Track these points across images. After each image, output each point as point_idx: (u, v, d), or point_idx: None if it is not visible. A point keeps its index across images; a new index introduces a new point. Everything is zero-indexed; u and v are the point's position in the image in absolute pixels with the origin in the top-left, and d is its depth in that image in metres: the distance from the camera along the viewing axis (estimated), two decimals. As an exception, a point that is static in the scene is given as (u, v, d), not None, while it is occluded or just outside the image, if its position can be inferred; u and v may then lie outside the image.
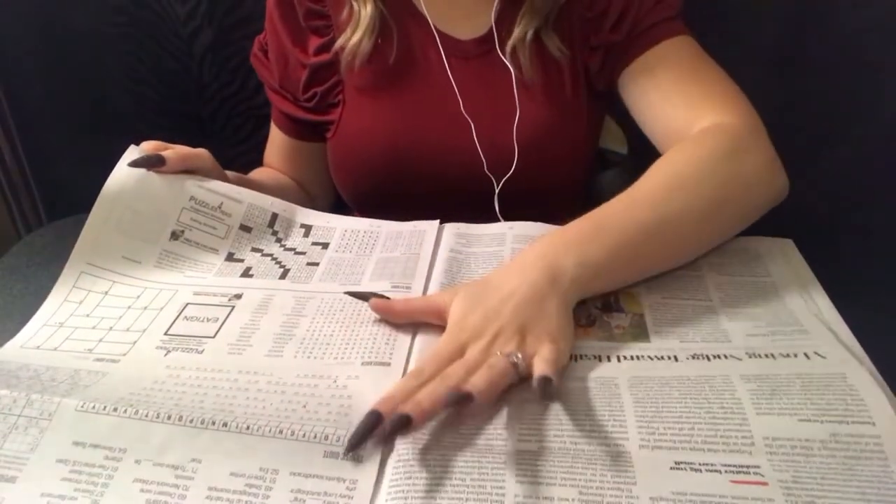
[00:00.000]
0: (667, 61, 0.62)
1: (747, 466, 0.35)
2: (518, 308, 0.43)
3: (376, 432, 0.37)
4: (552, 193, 0.69)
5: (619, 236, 0.48)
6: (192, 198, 0.56)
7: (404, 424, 0.37)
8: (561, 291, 0.44)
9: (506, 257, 0.54)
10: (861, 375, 0.40)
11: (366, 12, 0.64)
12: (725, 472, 0.35)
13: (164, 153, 0.56)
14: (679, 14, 0.64)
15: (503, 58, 0.64)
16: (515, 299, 0.43)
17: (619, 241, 0.47)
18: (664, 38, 0.62)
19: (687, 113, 0.59)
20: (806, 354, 0.43)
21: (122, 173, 0.55)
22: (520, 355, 0.40)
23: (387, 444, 0.38)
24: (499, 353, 0.41)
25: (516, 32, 0.64)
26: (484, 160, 0.65)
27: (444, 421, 0.39)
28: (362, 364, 0.44)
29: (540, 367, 0.39)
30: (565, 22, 0.65)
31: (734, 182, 0.52)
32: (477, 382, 0.38)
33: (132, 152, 0.56)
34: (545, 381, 0.38)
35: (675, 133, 0.59)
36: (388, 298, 0.47)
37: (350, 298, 0.50)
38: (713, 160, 0.53)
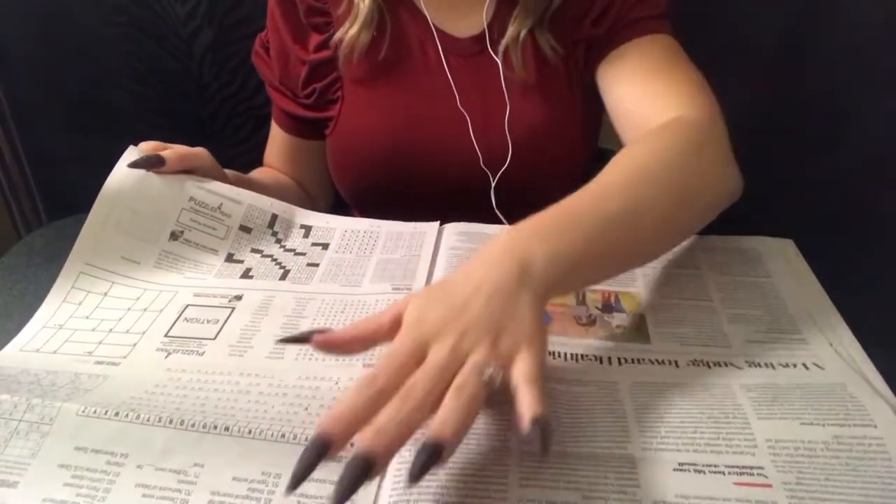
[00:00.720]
0: (640, 55, 0.62)
1: (751, 468, 0.35)
2: (489, 300, 0.36)
3: (325, 460, 0.31)
4: (550, 191, 0.69)
5: (590, 228, 0.43)
6: (191, 198, 0.56)
7: (367, 470, 0.30)
8: (532, 287, 0.38)
9: None
10: (861, 385, 0.40)
11: (364, 5, 0.64)
12: (729, 473, 0.35)
13: (164, 153, 0.56)
14: (663, 14, 0.64)
15: (494, 56, 0.65)
16: (484, 291, 0.37)
17: (590, 234, 0.43)
18: (642, 34, 0.62)
19: (652, 104, 0.58)
20: (805, 365, 0.43)
21: (122, 174, 0.54)
22: (492, 369, 0.34)
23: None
24: (469, 362, 0.34)
25: (510, 31, 0.64)
26: (480, 155, 0.65)
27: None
28: (364, 366, 0.44)
29: (526, 397, 0.33)
30: (561, 21, 0.65)
31: (695, 176, 0.50)
32: (447, 424, 0.32)
33: (131, 153, 0.56)
34: (542, 424, 0.32)
35: (638, 125, 0.58)
36: (329, 330, 0.38)
37: (350, 299, 0.50)
38: (676, 153, 0.50)
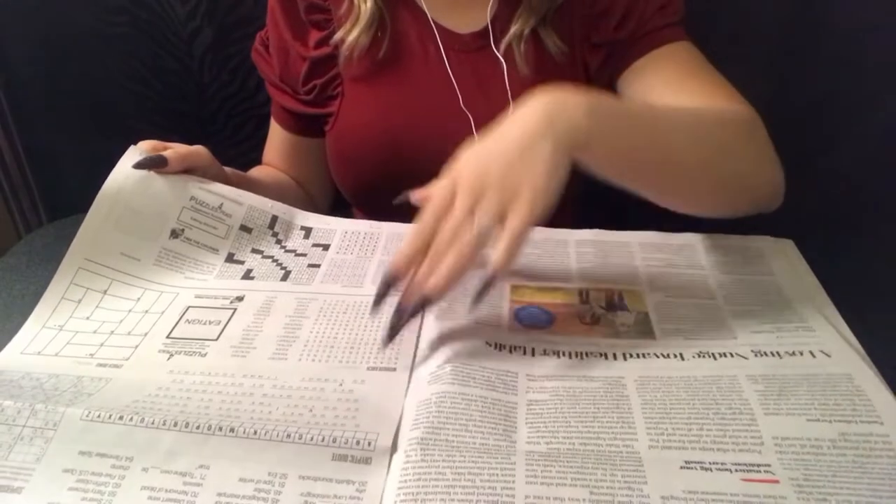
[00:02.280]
0: (672, 61, 0.62)
1: (758, 465, 0.35)
2: (510, 161, 0.42)
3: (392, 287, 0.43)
4: None
5: (627, 116, 0.46)
6: (192, 198, 0.56)
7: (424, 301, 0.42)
8: (555, 136, 0.42)
9: None
10: (867, 376, 0.40)
11: (366, 7, 0.64)
12: (736, 470, 0.35)
13: (165, 153, 0.56)
14: (681, 21, 0.64)
15: (496, 53, 0.65)
16: (509, 151, 0.42)
17: (624, 121, 0.45)
18: (669, 42, 0.63)
19: (700, 102, 0.58)
20: (811, 353, 0.43)
21: (122, 173, 0.54)
22: (488, 229, 0.41)
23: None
24: (476, 224, 0.41)
25: (512, 30, 0.64)
26: None
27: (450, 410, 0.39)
28: (368, 369, 0.44)
29: (497, 251, 0.41)
30: (565, 19, 0.65)
31: (746, 153, 0.52)
32: (437, 282, 0.41)
33: (132, 153, 0.56)
34: (488, 281, 0.42)
35: None
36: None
37: (352, 300, 0.50)
38: (734, 124, 0.53)
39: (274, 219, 0.59)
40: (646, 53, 0.63)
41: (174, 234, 0.55)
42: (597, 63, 0.65)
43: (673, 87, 0.61)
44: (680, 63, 0.62)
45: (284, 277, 0.54)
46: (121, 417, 0.39)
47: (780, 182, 0.55)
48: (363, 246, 0.57)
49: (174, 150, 0.57)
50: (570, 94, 0.43)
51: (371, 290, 0.51)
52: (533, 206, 0.41)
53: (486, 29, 0.66)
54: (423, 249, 0.42)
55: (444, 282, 0.41)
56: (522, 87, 0.65)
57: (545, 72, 0.65)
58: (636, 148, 0.45)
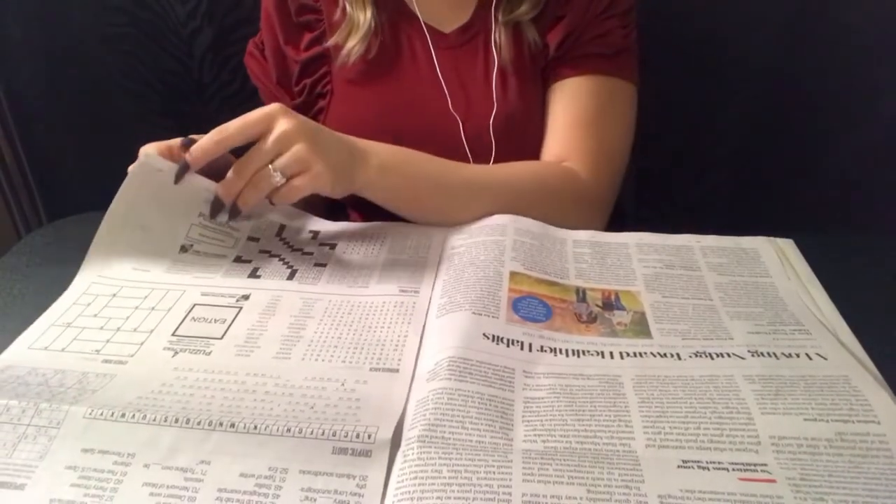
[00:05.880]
0: (580, 97, 0.66)
1: (754, 464, 0.36)
2: (322, 136, 0.53)
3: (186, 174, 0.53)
4: None
5: (415, 175, 0.58)
6: (200, 214, 0.56)
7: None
8: (350, 178, 0.55)
9: (507, 246, 0.54)
10: (864, 377, 0.41)
11: (365, 18, 0.66)
12: (733, 469, 0.35)
13: (189, 158, 0.53)
14: (620, 53, 0.67)
15: (480, 47, 0.68)
16: (324, 133, 0.54)
17: (412, 184, 0.58)
18: (592, 73, 0.66)
19: (563, 147, 0.65)
20: (808, 355, 0.43)
21: (131, 192, 0.54)
22: (279, 176, 0.51)
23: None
24: (270, 167, 0.51)
25: (496, 23, 0.67)
26: (469, 154, 0.67)
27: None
28: (371, 370, 0.44)
29: (276, 195, 0.52)
30: (542, 17, 0.67)
31: (531, 213, 0.59)
32: (247, 197, 0.53)
33: (141, 167, 0.54)
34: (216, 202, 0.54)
35: (545, 152, 0.67)
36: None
37: (357, 300, 0.50)
38: (543, 193, 0.61)
39: (282, 227, 0.60)
40: (571, 76, 0.66)
41: (183, 249, 0.55)
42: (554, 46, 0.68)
43: (560, 125, 0.66)
44: (583, 103, 0.66)
45: (290, 276, 0.54)
46: (123, 415, 0.39)
47: (591, 226, 0.60)
48: (369, 246, 0.57)
49: (197, 147, 0.54)
50: (386, 165, 0.56)
51: (377, 290, 0.52)
52: (315, 186, 0.52)
53: (469, 24, 0.68)
54: (214, 151, 0.52)
55: (248, 201, 0.53)
56: (502, 80, 0.68)
57: (522, 64, 0.68)
58: (401, 209, 0.59)
